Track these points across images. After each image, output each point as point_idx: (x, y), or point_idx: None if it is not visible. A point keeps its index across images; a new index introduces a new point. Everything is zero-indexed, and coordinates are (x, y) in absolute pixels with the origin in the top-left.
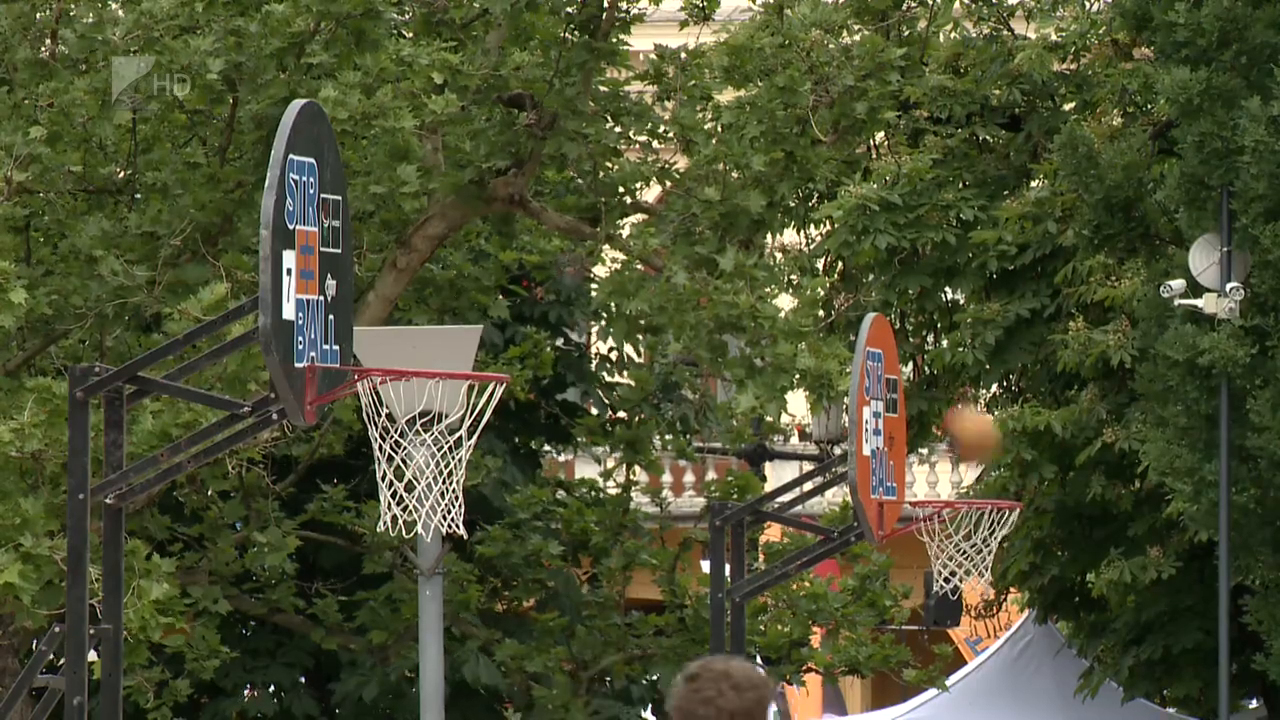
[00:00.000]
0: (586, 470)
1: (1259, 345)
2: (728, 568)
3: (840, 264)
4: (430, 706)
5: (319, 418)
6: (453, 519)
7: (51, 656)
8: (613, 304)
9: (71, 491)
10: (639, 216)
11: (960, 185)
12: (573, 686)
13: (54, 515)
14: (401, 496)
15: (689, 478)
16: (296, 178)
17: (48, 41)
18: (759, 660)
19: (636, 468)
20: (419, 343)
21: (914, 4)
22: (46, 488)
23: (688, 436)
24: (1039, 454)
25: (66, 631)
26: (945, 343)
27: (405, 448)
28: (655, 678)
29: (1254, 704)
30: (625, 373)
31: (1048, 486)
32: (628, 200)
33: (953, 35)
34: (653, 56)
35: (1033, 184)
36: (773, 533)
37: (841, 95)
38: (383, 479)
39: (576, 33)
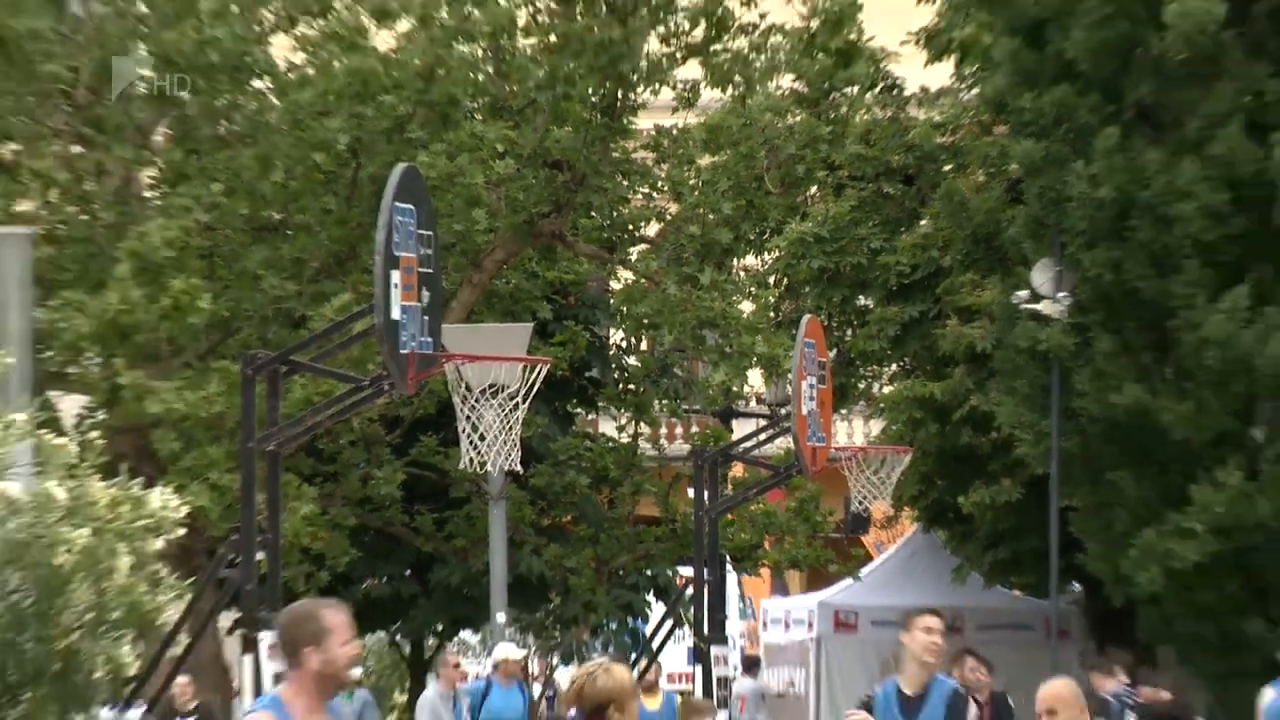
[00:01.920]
0: (606, 426)
1: (1081, 337)
2: (706, 494)
3: (785, 280)
4: (497, 592)
5: (418, 389)
6: (512, 460)
7: (230, 556)
8: (624, 308)
9: (243, 441)
10: (643, 246)
11: (870, 224)
12: (597, 577)
13: (231, 458)
14: (476, 444)
15: (679, 430)
16: (400, 219)
17: (224, 122)
18: (728, 558)
19: (642, 424)
20: (488, 335)
21: (838, 95)
22: (226, 439)
23: (678, 401)
24: (925, 413)
25: (241, 539)
26: (859, 335)
27: (478, 409)
28: (654, 572)
29: (1076, 587)
30: (633, 356)
31: (931, 436)
32: (635, 234)
33: (865, 117)
34: (653, 132)
35: (921, 223)
36: (737, 470)
37: (786, 160)
38: (463, 431)
39: (599, 116)
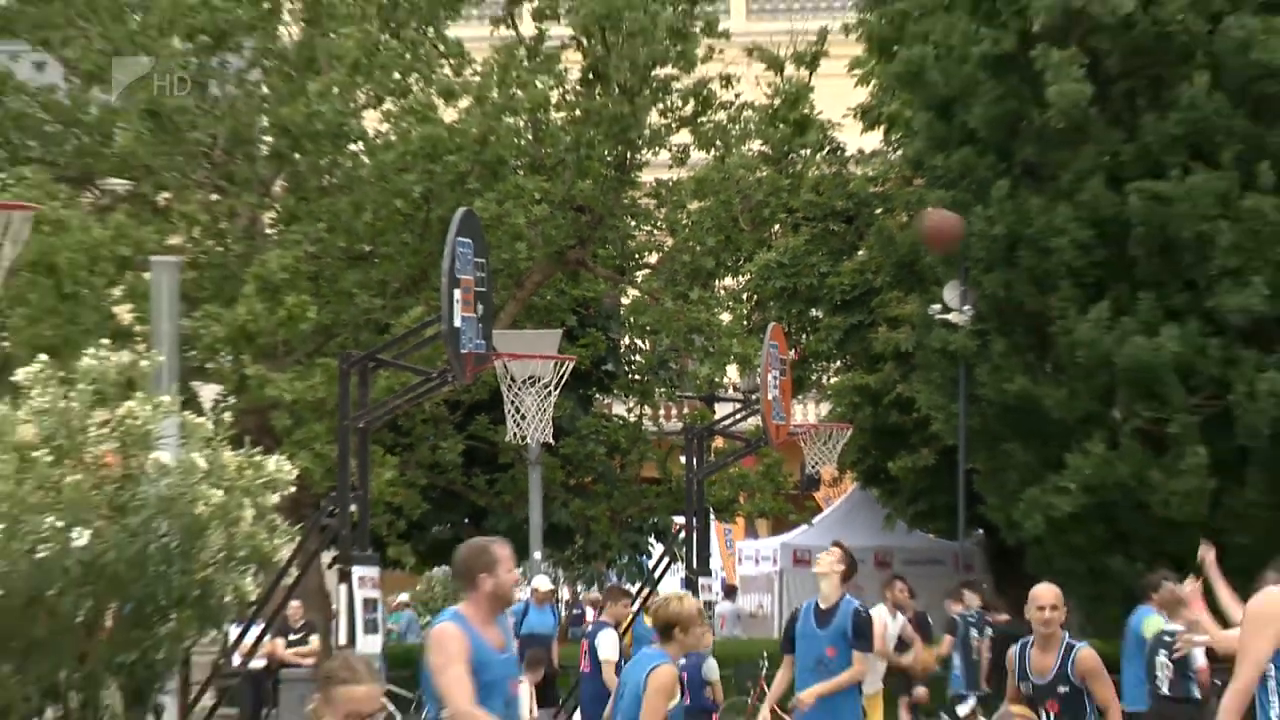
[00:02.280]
0: (618, 408)
1: (981, 340)
2: (695, 461)
3: (755, 296)
4: (535, 536)
5: (474, 380)
6: (546, 434)
7: (330, 509)
8: (632, 318)
9: (340, 419)
10: (646, 270)
11: (819, 254)
12: (611, 524)
13: (331, 433)
14: (518, 422)
15: (674, 412)
16: (461, 250)
17: (326, 176)
18: (711, 510)
19: (645, 406)
20: (527, 339)
21: (794, 155)
22: (327, 418)
23: (673, 389)
24: (862, 399)
25: (338, 495)
26: (811, 339)
27: (520, 395)
28: (655, 520)
29: (978, 532)
30: (639, 355)
31: (866, 416)
32: (640, 262)
33: (815, 172)
34: (653, 184)
35: (859, 253)
36: (718, 442)
37: (755, 205)
38: (508, 412)
39: (613, 171)
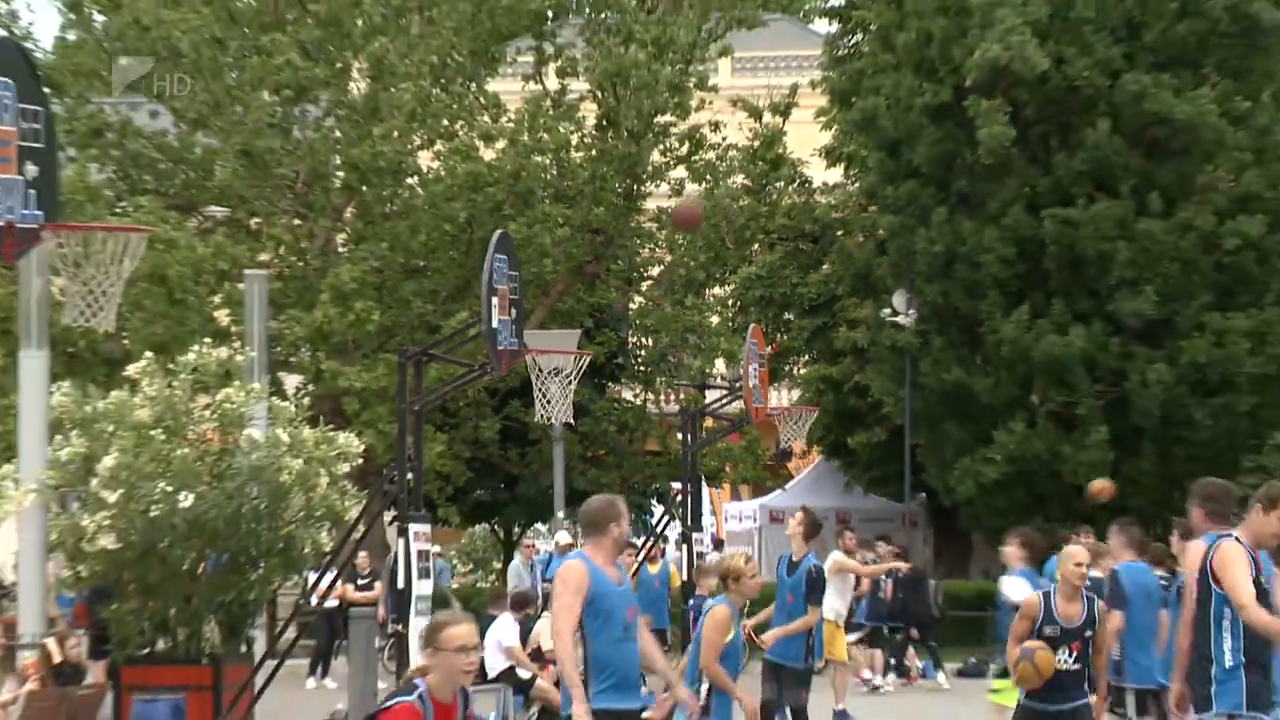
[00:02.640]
0: (627, 394)
1: (923, 338)
2: (689, 437)
3: (739, 303)
4: (558, 499)
5: (509, 371)
6: (567, 415)
7: (390, 476)
8: (638, 320)
9: (399, 403)
10: (649, 281)
11: (791, 268)
12: (621, 489)
13: (391, 414)
14: (545, 405)
15: (673, 397)
16: (498, 265)
17: (388, 204)
18: (703, 477)
19: (649, 393)
20: (553, 337)
21: (771, 187)
22: (388, 402)
23: (672, 378)
24: (826, 386)
25: (397, 465)
26: (785, 338)
27: (546, 384)
28: (657, 485)
29: (921, 495)
30: (644, 350)
31: (829, 400)
32: (644, 275)
33: (787, 201)
34: (656, 210)
35: (823, 267)
36: (708, 422)
37: (739, 228)
38: (537, 397)
39: (622, 200)
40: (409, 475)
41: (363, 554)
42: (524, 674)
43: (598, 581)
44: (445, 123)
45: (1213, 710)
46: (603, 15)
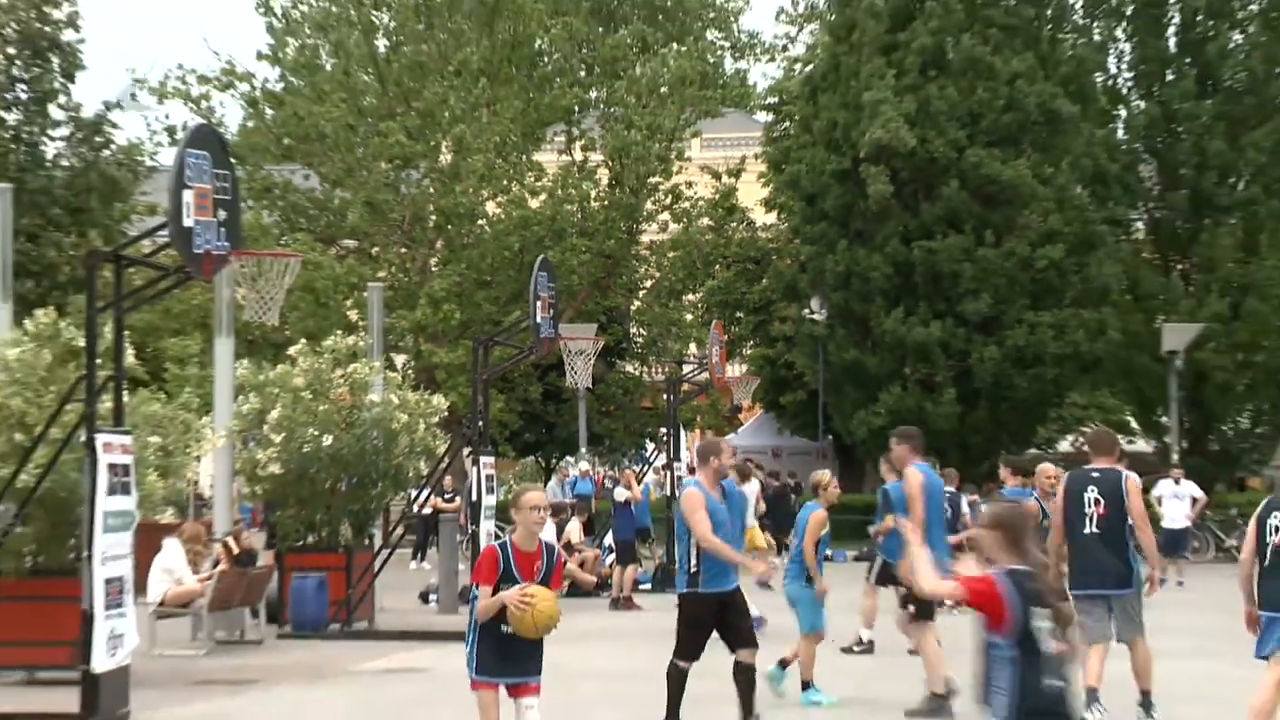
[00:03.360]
0: (629, 368)
1: (830, 329)
2: (671, 398)
3: (706, 305)
4: (582, 439)
5: (548, 352)
6: (588, 382)
7: (467, 424)
8: (636, 317)
9: (473, 374)
10: (644, 290)
11: (741, 281)
12: (626, 433)
13: (468, 382)
14: (572, 375)
15: (660, 370)
16: (541, 278)
17: (466, 238)
18: (681, 425)
19: (645, 367)
20: (578, 329)
21: (727, 227)
22: (466, 374)
23: (661, 357)
24: (765, 363)
25: (471, 417)
26: (738, 329)
27: (574, 360)
28: (649, 430)
29: (829, 436)
30: (641, 338)
31: (767, 373)
32: (640, 285)
33: (738, 236)
34: (650, 242)
35: (764, 280)
36: (685, 387)
37: (705, 254)
38: (568, 369)
39: (626, 235)
40: (479, 423)
41: (448, 477)
42: None
43: (708, 500)
44: (504, 182)
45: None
46: (612, 109)
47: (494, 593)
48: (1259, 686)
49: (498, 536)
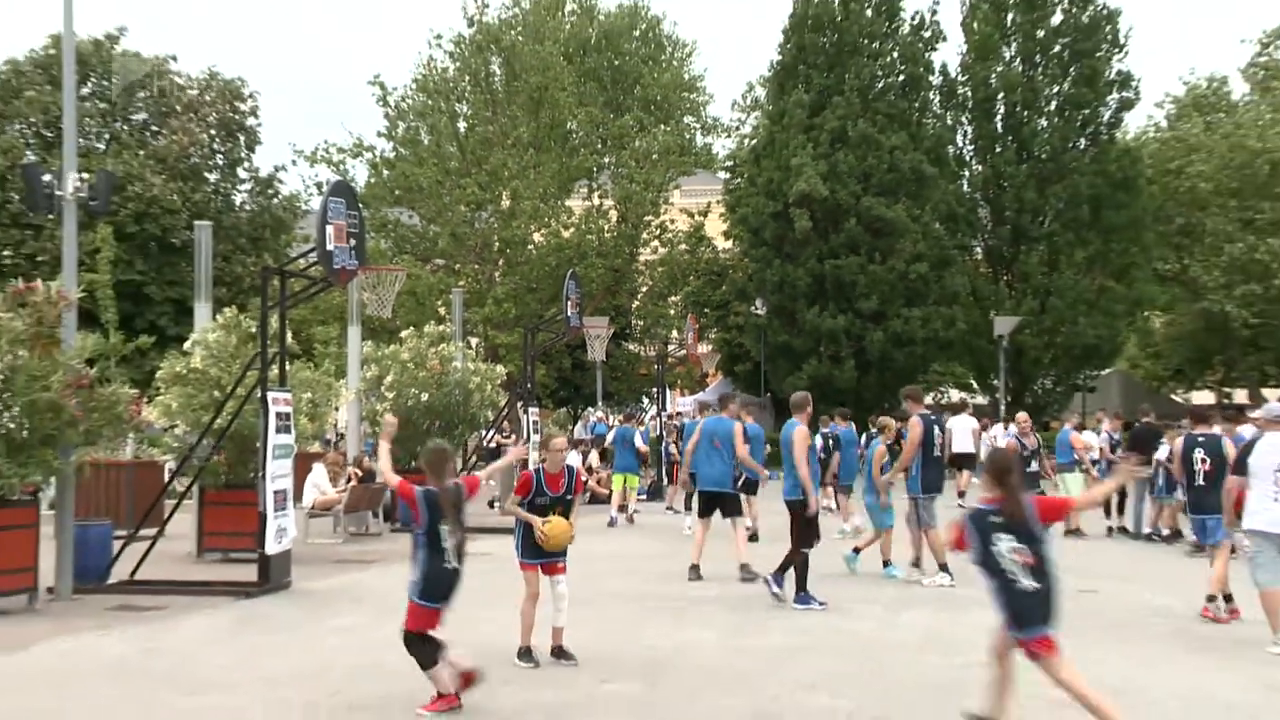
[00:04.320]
0: (632, 347)
1: (770, 321)
2: (660, 369)
3: (684, 304)
4: (599, 396)
5: (576, 336)
6: (603, 356)
7: (519, 386)
8: (636, 312)
9: (524, 351)
10: (642, 293)
11: (708, 289)
12: (628, 392)
13: (521, 358)
14: (591, 351)
15: (653, 349)
16: (570, 286)
17: (521, 260)
18: (667, 385)
19: (641, 347)
20: (596, 320)
21: (699, 251)
22: (518, 352)
23: (652, 339)
24: (726, 344)
25: (522, 381)
26: (705, 321)
27: (592, 341)
28: (644, 389)
29: (769, 393)
30: (639, 326)
31: (726, 350)
32: (636, 292)
33: (706, 258)
34: (644, 261)
35: (722, 288)
36: (669, 360)
37: (683, 269)
38: (590, 347)
39: (628, 255)
40: (529, 385)
41: (506, 422)
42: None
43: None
44: (546, 220)
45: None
46: (619, 170)
47: (523, 502)
48: (1215, 564)
49: (537, 465)
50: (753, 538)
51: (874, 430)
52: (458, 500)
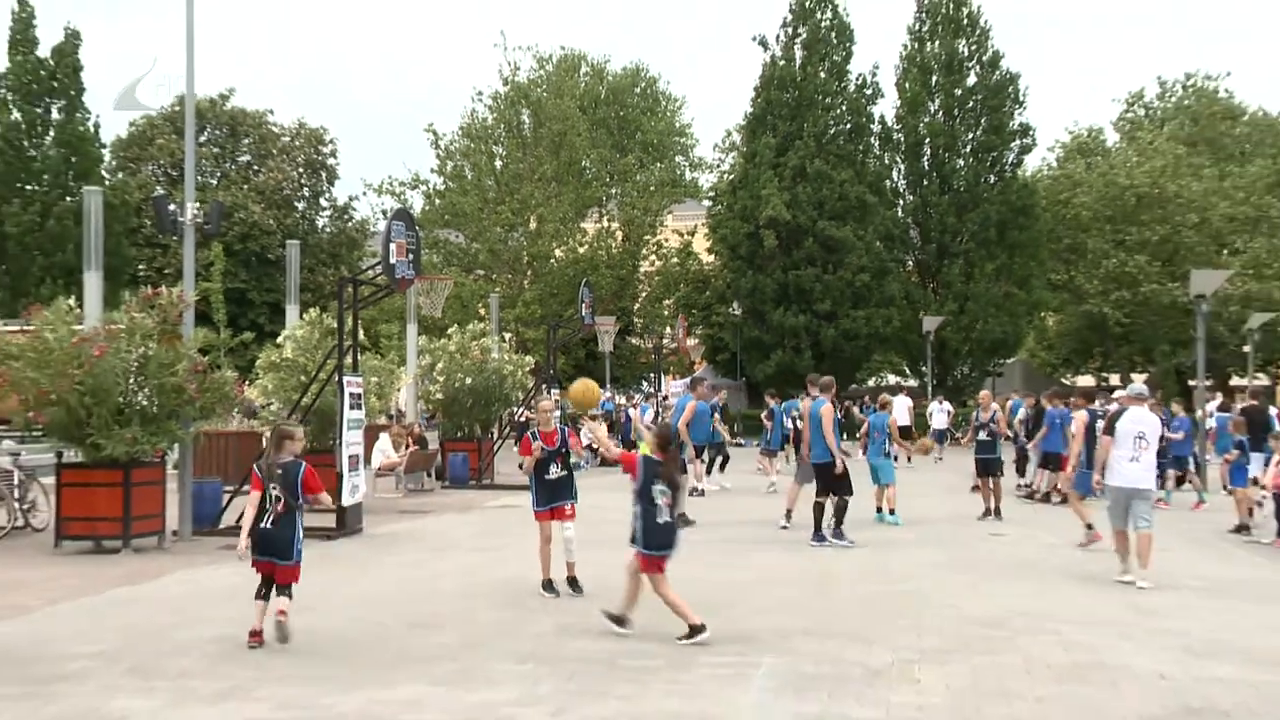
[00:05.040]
0: (634, 340)
1: (745, 320)
2: (656, 358)
3: (676, 306)
4: (607, 379)
5: (589, 332)
6: (610, 346)
7: (542, 372)
8: (637, 313)
9: (547, 344)
10: (642, 296)
11: (695, 294)
12: (630, 376)
13: (545, 349)
14: (602, 342)
15: (650, 342)
16: (584, 292)
17: (546, 271)
18: (664, 372)
19: (642, 340)
20: (605, 319)
21: (688, 264)
22: (543, 345)
23: (650, 334)
24: (709, 340)
25: (544, 366)
26: (693, 320)
27: (602, 335)
28: (644, 375)
29: (744, 378)
30: (640, 323)
31: (709, 343)
32: (637, 297)
33: (694, 269)
34: (644, 273)
35: (706, 293)
36: (664, 351)
37: (674, 278)
38: (600, 340)
39: (631, 267)
40: (550, 371)
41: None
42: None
43: (834, 411)
44: (565, 239)
45: None
46: (624, 198)
47: (532, 461)
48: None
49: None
50: (695, 491)
51: (875, 406)
52: (670, 470)
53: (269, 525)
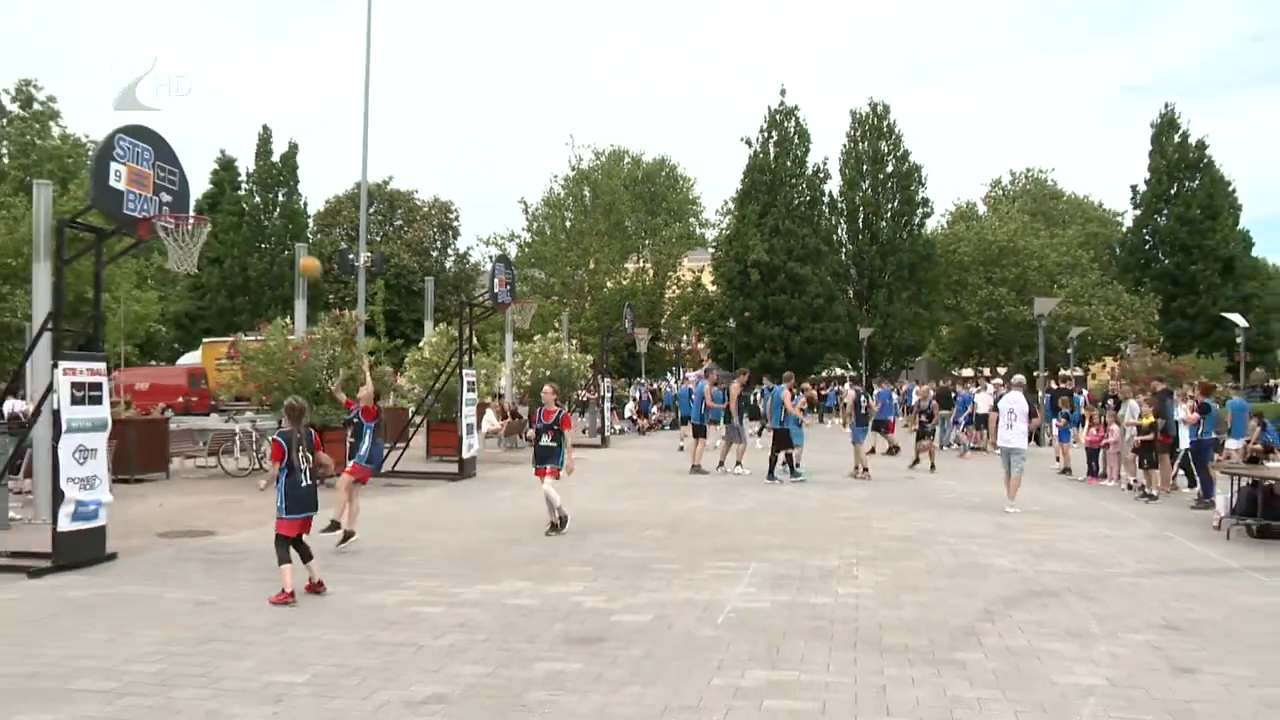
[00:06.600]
0: (662, 344)
1: (739, 331)
2: (676, 353)
3: (691, 323)
4: (642, 372)
5: (632, 338)
6: (645, 349)
7: (593, 368)
8: (665, 326)
9: (602, 347)
10: (666, 314)
11: (704, 314)
12: (661, 371)
13: (601, 350)
14: (639, 346)
15: (675, 346)
16: (627, 312)
17: (599, 294)
18: (680, 367)
19: (670, 345)
20: (641, 331)
21: (696, 292)
22: (599, 348)
23: (674, 341)
24: (713, 344)
25: (600, 364)
26: (701, 330)
27: (638, 342)
28: (670, 368)
29: (740, 369)
30: (665, 333)
31: (715, 347)
32: (665, 315)
33: (703, 296)
34: (669, 299)
35: (711, 311)
36: (685, 353)
37: (689, 302)
38: (638, 344)
39: (658, 294)
40: (604, 365)
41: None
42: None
43: (793, 396)
44: (614, 275)
45: None
46: (655, 245)
47: (535, 431)
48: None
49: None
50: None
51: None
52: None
53: (308, 483)
